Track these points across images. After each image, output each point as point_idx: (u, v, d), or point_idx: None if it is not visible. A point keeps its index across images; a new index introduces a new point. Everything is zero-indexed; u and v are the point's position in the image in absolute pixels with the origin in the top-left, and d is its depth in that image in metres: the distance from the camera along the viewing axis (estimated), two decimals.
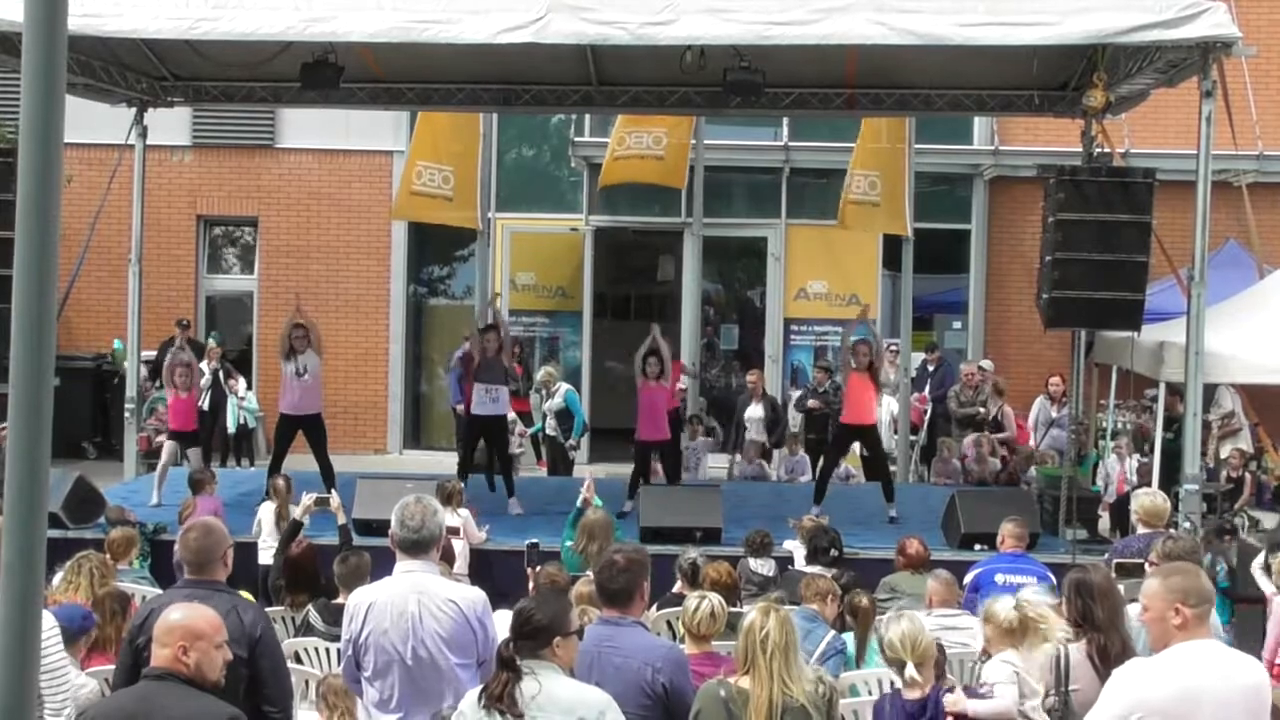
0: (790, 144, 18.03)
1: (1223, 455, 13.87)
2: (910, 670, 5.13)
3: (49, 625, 5.47)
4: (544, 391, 16.04)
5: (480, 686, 4.63)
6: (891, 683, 5.67)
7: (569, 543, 9.33)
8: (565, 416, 15.87)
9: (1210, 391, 13.78)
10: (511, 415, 15.91)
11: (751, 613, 5.04)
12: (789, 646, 4.90)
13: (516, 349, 16.10)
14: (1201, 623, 4.26)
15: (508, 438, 13.52)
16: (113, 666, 5.70)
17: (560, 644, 4.54)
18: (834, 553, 8.81)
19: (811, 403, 15.73)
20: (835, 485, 14.73)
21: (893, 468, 15.92)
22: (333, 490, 10.04)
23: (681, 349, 16.89)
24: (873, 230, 17.09)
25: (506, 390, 13.03)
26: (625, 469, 13.92)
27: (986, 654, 5.33)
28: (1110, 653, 5.45)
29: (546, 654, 4.52)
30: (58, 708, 5.39)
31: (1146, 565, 6.85)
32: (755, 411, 15.64)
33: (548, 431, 15.96)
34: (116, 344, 17.67)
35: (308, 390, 12.63)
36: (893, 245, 17.49)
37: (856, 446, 13.74)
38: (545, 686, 4.45)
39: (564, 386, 16.11)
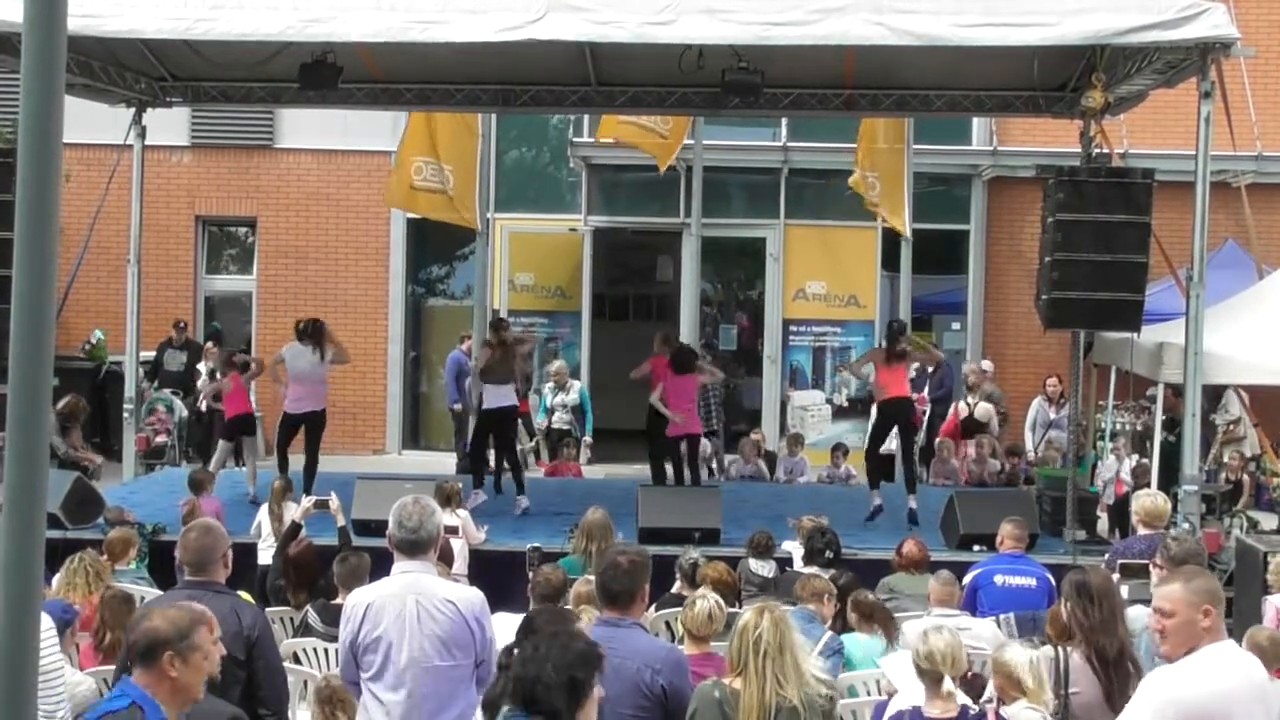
0: (789, 144, 18.02)
1: (1225, 460, 13.87)
2: (948, 684, 5.11)
3: (45, 627, 5.47)
4: (557, 384, 16.08)
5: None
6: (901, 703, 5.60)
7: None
8: (577, 412, 15.93)
9: (1218, 394, 13.79)
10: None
11: (746, 613, 5.03)
12: (783, 647, 4.88)
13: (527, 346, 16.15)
14: (1223, 624, 4.29)
15: (513, 432, 13.46)
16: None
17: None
18: (829, 554, 8.81)
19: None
20: (834, 486, 14.77)
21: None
22: (331, 493, 10.04)
23: None
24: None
25: (513, 386, 12.97)
26: (627, 469, 13.99)
27: (1001, 700, 5.30)
28: (1108, 655, 5.44)
29: None
30: (51, 710, 5.37)
31: (1151, 566, 6.85)
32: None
33: (556, 425, 15.98)
34: (97, 334, 17.57)
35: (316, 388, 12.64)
36: (891, 245, 17.50)
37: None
38: None
39: (578, 383, 16.18)
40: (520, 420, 16.09)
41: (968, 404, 15.88)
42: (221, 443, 13.38)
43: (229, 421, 13.42)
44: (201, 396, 14.72)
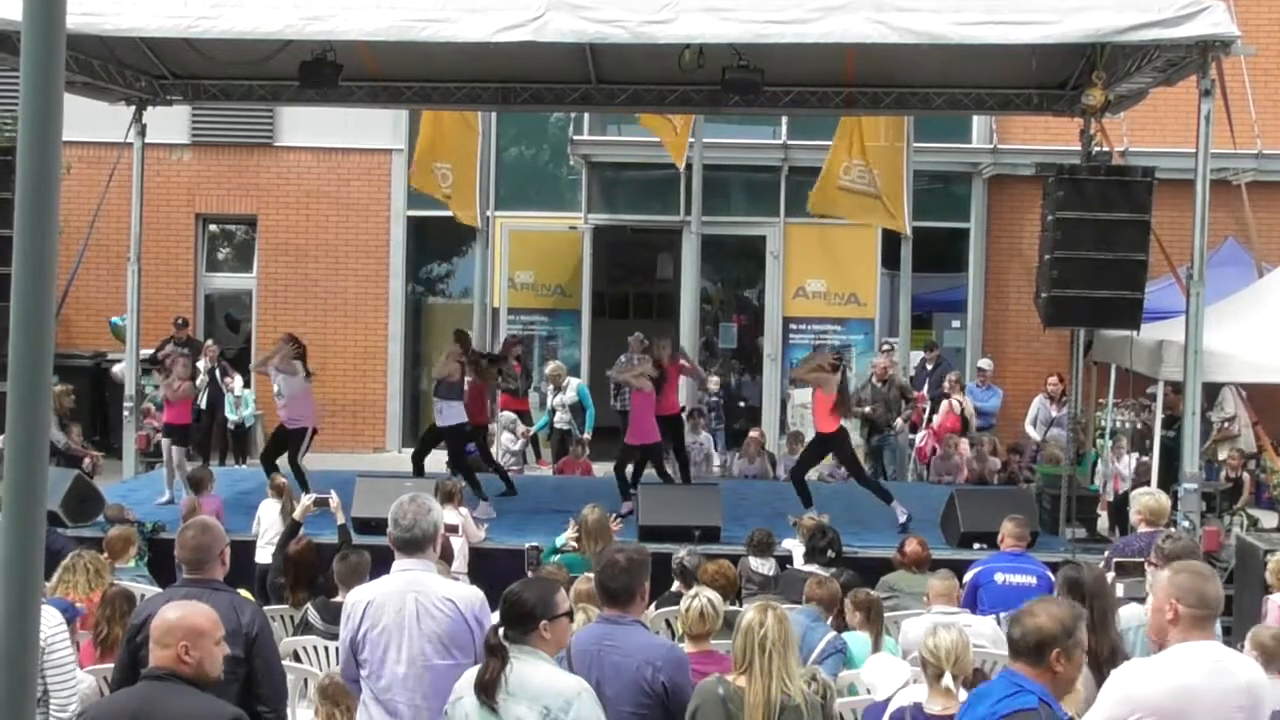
0: (789, 142, 18.03)
1: (1220, 457, 13.87)
2: (947, 679, 5.11)
3: (56, 622, 5.47)
4: (554, 385, 16.10)
5: (474, 671, 4.62)
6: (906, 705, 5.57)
7: (553, 560, 9.12)
8: (577, 410, 15.94)
9: (1214, 392, 13.78)
10: (511, 415, 16.00)
11: (749, 611, 5.03)
12: (787, 645, 4.89)
13: (516, 348, 16.19)
14: (1199, 625, 4.23)
15: (459, 447, 13.40)
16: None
17: (548, 627, 4.52)
18: (830, 553, 8.80)
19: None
20: (834, 484, 14.76)
21: (892, 467, 15.97)
22: (331, 491, 10.04)
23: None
24: (861, 219, 16.98)
25: (451, 404, 12.82)
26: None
27: None
28: (1099, 655, 5.42)
29: (534, 638, 4.50)
30: (63, 703, 5.37)
31: (1146, 565, 6.85)
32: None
33: (558, 425, 16.00)
34: (117, 320, 17.44)
35: (285, 406, 12.56)
36: (891, 244, 17.51)
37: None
38: (521, 673, 4.43)
39: (575, 380, 16.18)
40: (518, 417, 16.19)
41: (958, 402, 15.92)
42: (164, 442, 13.30)
43: (164, 425, 13.46)
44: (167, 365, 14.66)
